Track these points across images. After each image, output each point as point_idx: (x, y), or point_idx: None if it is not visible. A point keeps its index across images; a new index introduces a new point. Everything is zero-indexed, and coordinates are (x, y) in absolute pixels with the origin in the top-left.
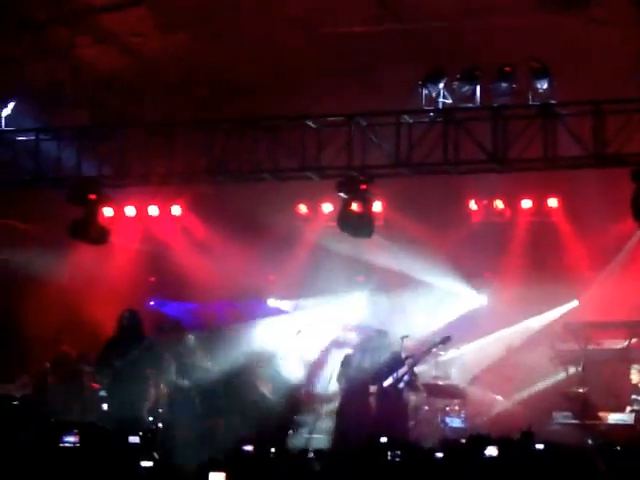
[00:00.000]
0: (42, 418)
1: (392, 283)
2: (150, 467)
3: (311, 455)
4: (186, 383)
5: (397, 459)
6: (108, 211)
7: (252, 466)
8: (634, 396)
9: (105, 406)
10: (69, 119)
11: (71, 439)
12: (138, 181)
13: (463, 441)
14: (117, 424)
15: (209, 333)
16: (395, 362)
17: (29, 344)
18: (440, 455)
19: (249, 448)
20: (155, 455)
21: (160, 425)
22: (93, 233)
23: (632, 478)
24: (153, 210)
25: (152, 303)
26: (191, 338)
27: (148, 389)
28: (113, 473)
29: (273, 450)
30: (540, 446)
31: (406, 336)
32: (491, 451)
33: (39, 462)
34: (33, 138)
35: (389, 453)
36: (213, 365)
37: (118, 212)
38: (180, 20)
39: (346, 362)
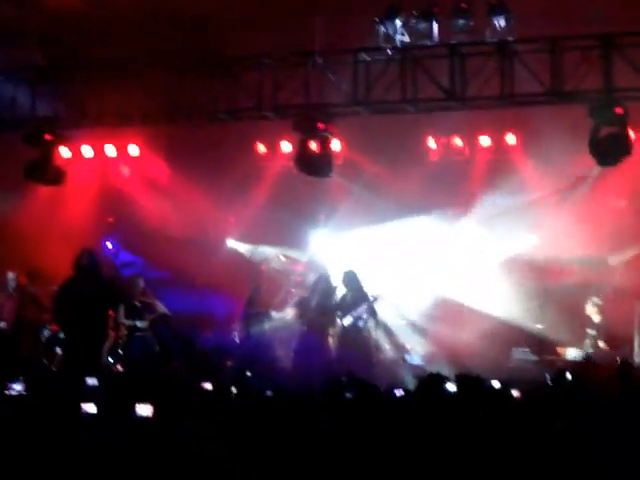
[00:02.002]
0: None
1: (353, 222)
2: (92, 413)
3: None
4: (137, 324)
5: (355, 399)
6: (65, 152)
7: (209, 402)
8: (589, 330)
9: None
10: (21, 59)
11: (18, 387)
12: (94, 121)
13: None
14: (76, 366)
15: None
16: (355, 300)
17: None
18: (399, 394)
19: (208, 386)
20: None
21: (120, 367)
22: (49, 174)
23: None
24: (110, 150)
25: (109, 244)
26: (139, 280)
27: (107, 330)
28: (59, 420)
29: (234, 390)
30: (497, 384)
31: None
32: (450, 388)
33: None
34: None
35: (347, 393)
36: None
37: (75, 153)
38: None
39: (304, 302)
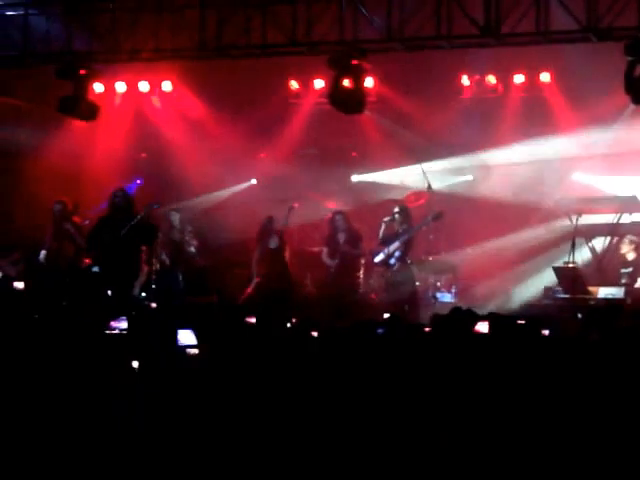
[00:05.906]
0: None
1: (385, 160)
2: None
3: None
4: (165, 260)
5: (385, 334)
6: (98, 87)
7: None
8: (623, 270)
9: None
10: None
11: (121, 325)
12: (129, 56)
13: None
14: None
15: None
16: (387, 238)
17: (19, 221)
18: (428, 330)
19: (252, 320)
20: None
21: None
22: (83, 109)
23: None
24: (143, 86)
25: (138, 181)
26: (175, 214)
27: (140, 265)
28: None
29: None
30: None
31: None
32: (481, 327)
33: (85, 352)
34: (22, 13)
35: (377, 329)
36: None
37: (108, 89)
38: None
39: (331, 240)
